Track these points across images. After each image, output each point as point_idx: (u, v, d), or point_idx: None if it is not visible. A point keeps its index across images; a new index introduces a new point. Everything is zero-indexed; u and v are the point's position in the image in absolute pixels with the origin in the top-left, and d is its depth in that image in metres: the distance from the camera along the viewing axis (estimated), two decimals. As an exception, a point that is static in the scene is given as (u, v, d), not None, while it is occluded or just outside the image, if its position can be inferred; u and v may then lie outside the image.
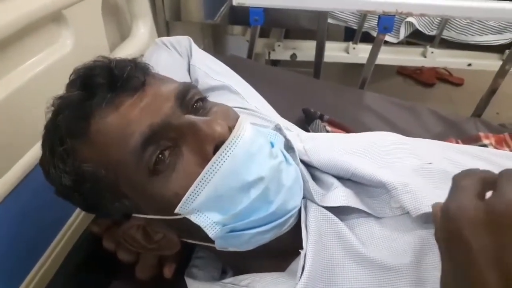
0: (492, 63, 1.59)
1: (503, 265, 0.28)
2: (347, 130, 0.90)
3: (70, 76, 0.48)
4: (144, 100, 0.44)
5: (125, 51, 0.95)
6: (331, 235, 0.47)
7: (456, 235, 0.30)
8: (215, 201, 0.42)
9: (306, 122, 0.93)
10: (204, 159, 0.43)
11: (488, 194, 0.31)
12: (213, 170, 0.42)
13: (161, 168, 0.43)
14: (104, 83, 0.44)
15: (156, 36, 1.04)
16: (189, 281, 0.53)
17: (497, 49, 1.64)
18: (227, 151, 0.42)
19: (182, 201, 0.42)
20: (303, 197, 0.51)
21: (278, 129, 0.55)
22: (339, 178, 0.54)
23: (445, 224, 0.31)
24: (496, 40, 1.63)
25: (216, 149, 0.42)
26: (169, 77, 0.52)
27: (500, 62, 1.24)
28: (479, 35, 1.63)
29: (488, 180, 0.32)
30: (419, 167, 0.52)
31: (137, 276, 0.54)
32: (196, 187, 0.42)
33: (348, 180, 0.54)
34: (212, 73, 0.78)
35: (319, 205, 0.50)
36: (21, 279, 0.59)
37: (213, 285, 0.51)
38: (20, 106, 0.61)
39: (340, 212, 0.50)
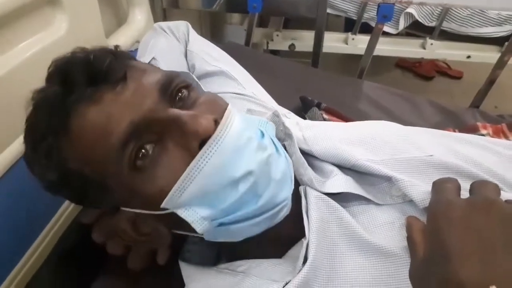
0: (491, 55, 1.59)
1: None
2: (344, 119, 0.90)
3: (49, 68, 0.46)
4: (125, 93, 0.42)
5: (121, 38, 0.94)
6: (333, 221, 0.47)
7: (446, 219, 0.38)
8: (202, 197, 0.41)
9: (303, 110, 0.93)
10: (190, 155, 0.41)
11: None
12: (199, 167, 0.40)
13: (145, 163, 0.42)
14: (82, 79, 0.42)
15: (153, 24, 1.03)
16: (183, 265, 0.52)
17: (496, 41, 1.63)
18: (213, 147, 0.40)
19: (167, 197, 0.41)
20: (303, 185, 0.51)
21: (276, 116, 0.54)
22: (339, 167, 0.53)
23: (436, 212, 0.39)
24: (496, 32, 1.62)
25: (202, 144, 0.41)
26: (151, 66, 0.50)
27: (499, 55, 1.24)
28: (479, 27, 1.63)
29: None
30: (421, 159, 0.52)
31: (129, 267, 0.54)
32: (181, 184, 0.41)
33: (347, 169, 0.53)
34: (209, 59, 0.77)
35: (319, 191, 0.49)
36: (9, 269, 0.59)
37: (208, 270, 0.51)
38: (13, 87, 0.60)
39: (340, 199, 0.49)
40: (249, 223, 0.43)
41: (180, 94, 0.46)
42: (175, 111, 0.43)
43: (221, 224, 0.43)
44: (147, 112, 0.42)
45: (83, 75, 0.42)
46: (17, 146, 0.60)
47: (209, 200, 0.42)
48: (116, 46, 0.50)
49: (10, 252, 0.59)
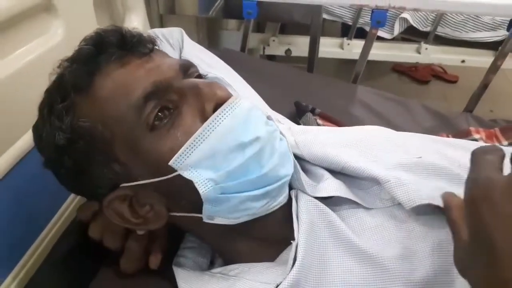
0: (486, 60, 1.59)
1: None
2: (338, 124, 0.91)
3: (81, 42, 0.49)
4: (150, 63, 0.47)
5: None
6: (323, 225, 0.47)
7: (486, 202, 0.32)
8: (209, 158, 0.43)
9: (297, 115, 0.93)
10: (204, 117, 0.44)
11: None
12: (212, 127, 0.43)
13: (160, 124, 0.44)
14: (114, 42, 0.47)
15: (149, 29, 1.04)
16: (177, 270, 0.53)
17: (491, 46, 1.64)
18: (228, 110, 0.44)
19: (177, 153, 0.43)
20: (294, 188, 0.52)
21: (269, 119, 0.55)
22: (330, 171, 0.54)
23: (475, 193, 0.33)
24: (490, 37, 1.64)
25: (215, 109, 0.44)
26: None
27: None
28: (473, 31, 1.64)
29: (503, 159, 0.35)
30: (408, 161, 0.52)
31: (122, 269, 0.54)
32: (193, 142, 0.43)
33: (338, 173, 0.54)
34: (204, 65, 0.77)
35: (310, 195, 0.50)
36: (11, 266, 0.59)
37: (202, 275, 0.51)
38: (11, 93, 0.60)
39: (331, 203, 0.50)
40: (250, 194, 0.45)
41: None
42: (193, 79, 0.48)
43: (223, 193, 0.44)
44: (169, 78, 0.46)
45: (116, 40, 0.47)
46: (19, 146, 0.61)
47: (216, 162, 0.44)
48: None
49: (9, 253, 0.60)
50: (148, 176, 0.46)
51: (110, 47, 0.46)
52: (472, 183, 0.34)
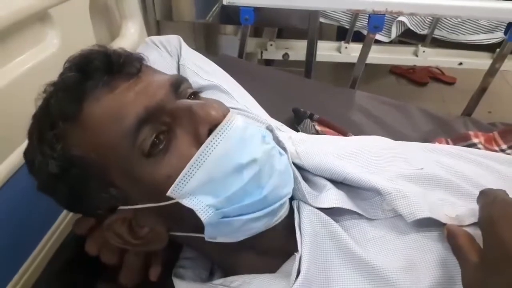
0: (483, 62, 1.60)
1: None
2: (337, 130, 0.90)
3: (64, 64, 0.48)
4: (140, 85, 0.45)
5: (114, 51, 0.94)
6: (326, 236, 0.47)
7: (505, 219, 0.36)
8: (208, 184, 0.42)
9: (295, 121, 0.93)
10: (198, 141, 0.43)
11: None
12: (207, 152, 0.42)
13: (155, 151, 0.43)
14: (100, 66, 0.45)
15: (146, 36, 1.04)
16: (176, 282, 0.52)
17: (488, 48, 1.65)
18: (222, 133, 0.43)
19: (175, 183, 0.42)
20: (296, 199, 0.51)
21: (269, 130, 0.55)
22: (332, 181, 0.54)
23: (493, 212, 0.37)
24: (487, 39, 1.64)
25: (210, 132, 0.43)
26: (160, 70, 0.52)
27: (491, 61, 1.25)
28: (470, 34, 1.64)
29: None
30: (410, 172, 0.52)
31: (121, 282, 0.53)
32: (190, 169, 0.42)
33: (340, 183, 0.54)
34: (202, 73, 0.77)
35: (312, 206, 0.50)
36: (8, 278, 0.59)
37: (202, 286, 0.51)
38: (7, 103, 0.60)
39: (332, 213, 0.50)
40: (251, 217, 0.44)
41: (189, 98, 0.48)
42: (186, 101, 0.46)
43: (224, 216, 0.43)
44: (160, 100, 0.44)
45: (102, 64, 0.45)
46: (15, 157, 0.61)
47: (215, 187, 0.42)
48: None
49: (9, 262, 0.59)
50: (147, 201, 0.45)
51: (96, 72, 0.44)
52: (488, 205, 0.39)
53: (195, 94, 0.49)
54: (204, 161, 0.42)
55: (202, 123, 0.43)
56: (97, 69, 0.44)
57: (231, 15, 1.26)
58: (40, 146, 0.45)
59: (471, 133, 0.94)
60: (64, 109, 0.44)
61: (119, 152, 0.43)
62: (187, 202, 0.42)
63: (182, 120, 0.44)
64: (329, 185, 0.53)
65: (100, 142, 0.44)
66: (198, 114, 0.43)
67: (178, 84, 0.48)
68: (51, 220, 0.68)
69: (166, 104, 0.45)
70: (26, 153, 0.49)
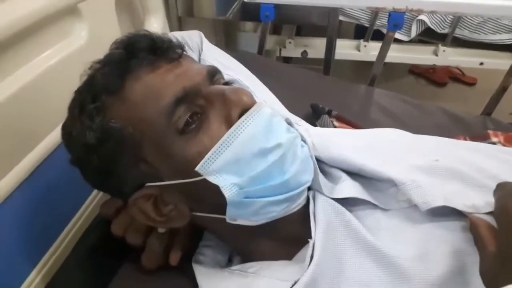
0: (504, 62, 1.57)
1: None
2: (355, 126, 0.91)
3: (111, 45, 0.51)
4: (180, 68, 0.48)
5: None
6: (340, 225, 0.48)
7: None
8: (234, 164, 0.45)
9: (313, 117, 0.94)
10: (229, 123, 0.46)
11: None
12: (236, 133, 0.44)
13: (188, 129, 0.46)
14: (145, 47, 0.48)
15: (169, 32, 1.06)
16: (196, 267, 0.54)
17: (510, 48, 1.62)
18: (252, 117, 0.45)
19: (203, 160, 0.44)
20: (312, 189, 0.52)
21: (289, 124, 0.56)
22: (347, 172, 0.55)
23: (510, 206, 0.39)
24: (509, 39, 1.61)
25: (241, 115, 0.45)
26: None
27: (512, 61, 1.23)
28: (492, 33, 1.62)
29: None
30: (425, 163, 0.53)
31: (143, 265, 0.56)
32: (219, 147, 0.44)
33: (355, 174, 0.55)
34: (222, 68, 0.77)
35: (327, 196, 0.51)
36: (35, 262, 0.61)
37: (221, 272, 0.53)
38: (36, 96, 0.62)
39: (347, 203, 0.51)
40: (272, 199, 0.46)
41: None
42: (220, 86, 0.50)
43: (246, 197, 0.45)
44: (197, 84, 0.48)
45: (147, 46, 0.48)
46: (45, 144, 0.63)
47: (240, 167, 0.45)
48: None
49: (33, 249, 0.62)
50: (174, 177, 0.47)
51: (141, 52, 0.48)
52: (504, 197, 0.40)
53: (227, 84, 0.52)
54: (232, 142, 0.44)
55: (234, 107, 0.46)
56: (142, 50, 0.48)
57: (251, 12, 1.28)
58: (80, 117, 0.48)
59: (490, 132, 0.93)
60: (108, 83, 0.47)
61: (155, 128, 0.46)
62: (213, 179, 0.45)
63: (215, 104, 0.47)
64: (344, 176, 0.54)
65: (138, 117, 0.46)
66: (231, 99, 0.46)
67: (213, 73, 0.51)
68: (78, 205, 0.71)
69: (202, 88, 0.47)
70: (65, 126, 0.52)
